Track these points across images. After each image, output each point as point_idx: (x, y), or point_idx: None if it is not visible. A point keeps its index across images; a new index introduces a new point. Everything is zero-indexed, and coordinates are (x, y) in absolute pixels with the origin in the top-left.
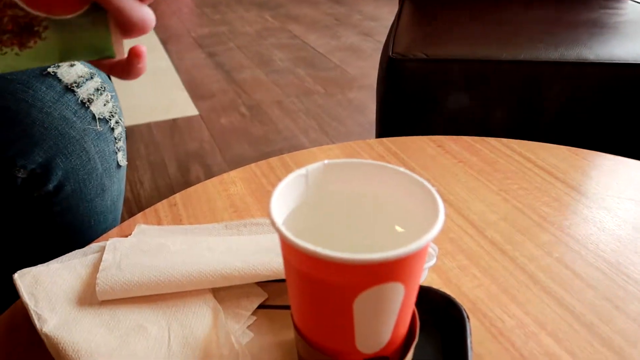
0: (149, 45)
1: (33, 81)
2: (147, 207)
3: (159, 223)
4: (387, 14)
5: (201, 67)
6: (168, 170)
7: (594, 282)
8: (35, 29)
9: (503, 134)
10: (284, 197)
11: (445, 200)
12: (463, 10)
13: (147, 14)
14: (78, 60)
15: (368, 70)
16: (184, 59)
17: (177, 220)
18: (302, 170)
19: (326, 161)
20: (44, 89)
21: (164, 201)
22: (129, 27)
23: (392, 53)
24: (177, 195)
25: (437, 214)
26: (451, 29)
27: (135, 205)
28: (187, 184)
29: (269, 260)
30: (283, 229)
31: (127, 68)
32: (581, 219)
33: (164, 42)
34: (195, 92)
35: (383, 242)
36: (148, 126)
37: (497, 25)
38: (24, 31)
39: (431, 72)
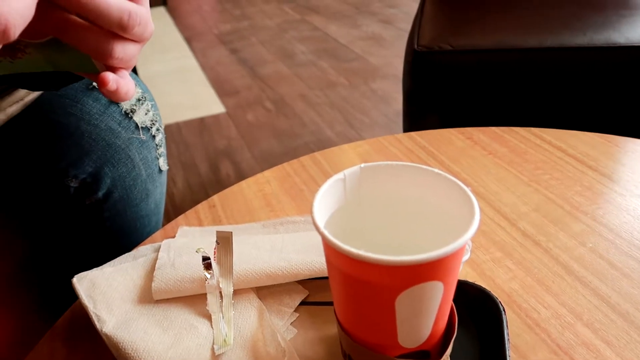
0: (174, 44)
1: (80, 95)
2: (181, 206)
3: (200, 224)
4: (407, 0)
5: (225, 63)
6: (199, 168)
7: (629, 271)
8: (17, 46)
9: (532, 123)
10: (325, 201)
11: (476, 193)
12: None
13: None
14: (70, 70)
15: (390, 59)
16: (208, 56)
17: (217, 221)
18: (340, 175)
19: (362, 165)
20: (91, 102)
21: (204, 202)
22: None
23: (417, 46)
24: (215, 197)
25: (472, 213)
26: (476, 17)
27: (169, 204)
28: (218, 181)
29: (310, 260)
30: (327, 232)
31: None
32: (615, 207)
33: (188, 40)
34: (221, 89)
35: (420, 241)
36: (178, 126)
37: (522, 12)
38: (9, 48)
39: (457, 63)
